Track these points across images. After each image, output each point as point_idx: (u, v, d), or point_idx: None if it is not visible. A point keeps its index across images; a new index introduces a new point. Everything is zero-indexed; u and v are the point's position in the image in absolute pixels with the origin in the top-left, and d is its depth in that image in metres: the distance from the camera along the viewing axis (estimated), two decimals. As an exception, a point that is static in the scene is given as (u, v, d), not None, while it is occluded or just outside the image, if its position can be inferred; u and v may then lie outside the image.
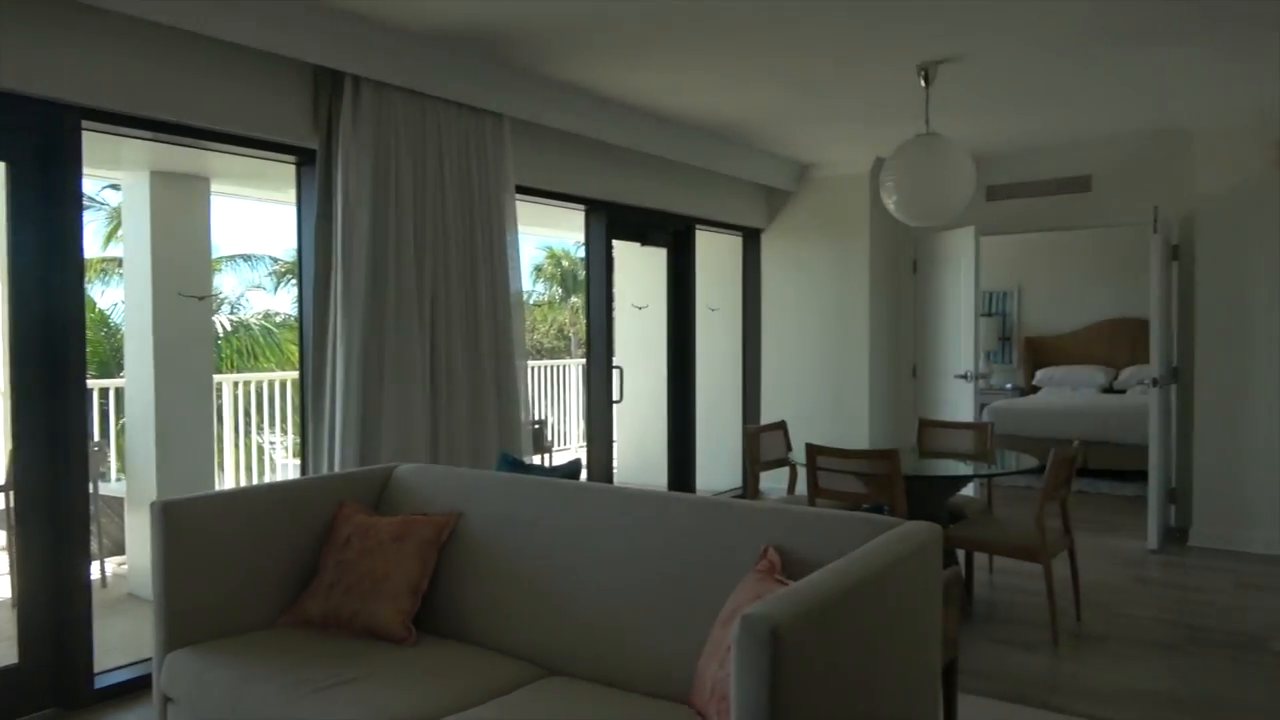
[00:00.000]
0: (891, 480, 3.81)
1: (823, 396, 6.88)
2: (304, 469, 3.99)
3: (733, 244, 7.22)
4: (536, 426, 5.79)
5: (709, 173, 6.30)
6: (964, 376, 6.24)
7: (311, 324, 3.85)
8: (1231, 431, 5.41)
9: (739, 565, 2.22)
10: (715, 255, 7.25)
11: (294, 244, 4.16)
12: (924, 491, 4.19)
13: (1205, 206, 5.47)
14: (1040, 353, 9.77)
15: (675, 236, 6.38)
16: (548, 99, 4.65)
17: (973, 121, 5.47)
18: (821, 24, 3.76)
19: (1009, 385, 9.82)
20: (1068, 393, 9.05)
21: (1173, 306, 5.85)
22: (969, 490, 5.57)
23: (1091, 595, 4.49)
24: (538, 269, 17.29)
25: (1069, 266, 9.62)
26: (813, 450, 4.00)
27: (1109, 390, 9.08)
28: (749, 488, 4.69)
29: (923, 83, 4.31)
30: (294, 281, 10.61)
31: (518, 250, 4.55)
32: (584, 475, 4.72)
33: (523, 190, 4.88)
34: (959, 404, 6.31)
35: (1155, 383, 5.41)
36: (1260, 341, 5.31)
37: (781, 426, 5.02)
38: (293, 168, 4.04)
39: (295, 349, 8.74)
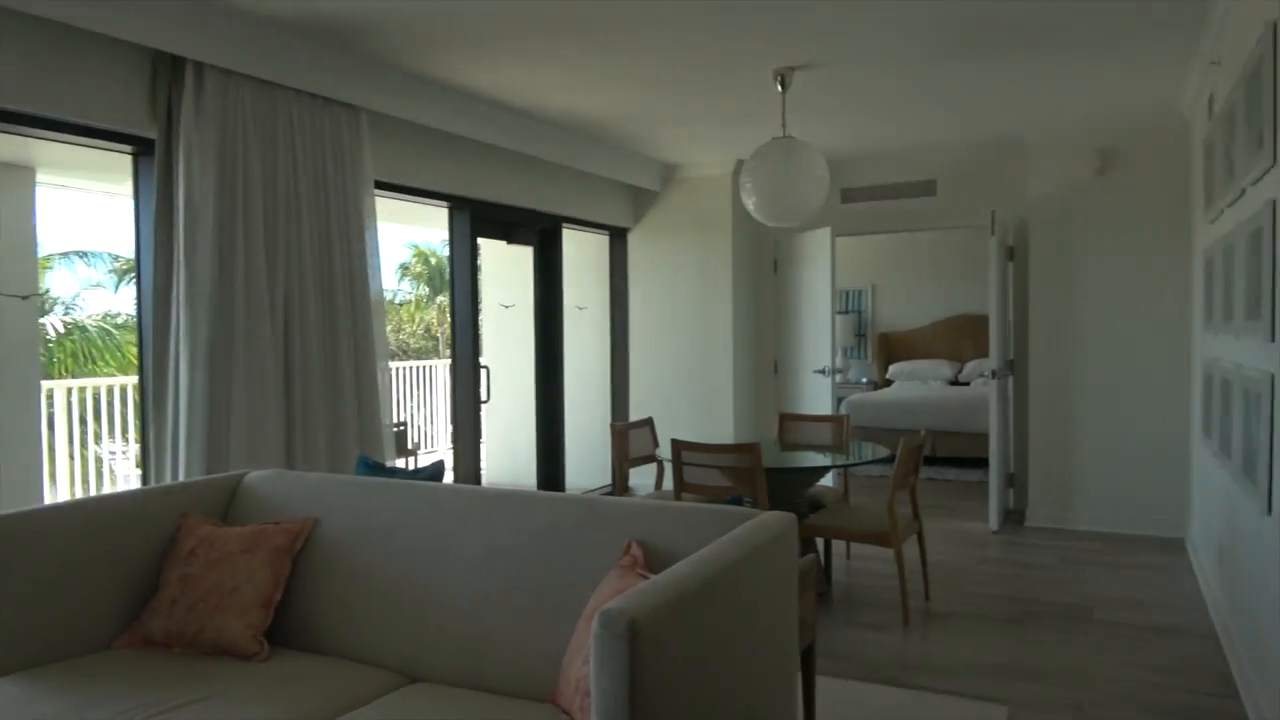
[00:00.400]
0: (753, 473, 3.92)
1: (689, 393, 7.01)
2: (145, 479, 3.75)
3: (600, 243, 7.26)
4: (399, 429, 5.64)
5: (576, 172, 6.31)
6: (822, 371, 6.49)
7: (151, 324, 3.62)
8: (1062, 419, 5.85)
9: (603, 562, 2.23)
10: (583, 254, 7.27)
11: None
12: (784, 483, 4.33)
13: (1037, 210, 5.89)
14: (893, 348, 10.28)
15: (542, 235, 6.35)
16: (407, 92, 4.54)
17: (827, 126, 5.70)
18: (678, 29, 3.83)
19: (865, 379, 10.28)
20: (918, 385, 9.55)
21: (1009, 304, 6.27)
22: (827, 480, 5.81)
23: (939, 576, 4.75)
24: (404, 267, 16.85)
25: (918, 266, 10.16)
26: (678, 446, 4.07)
27: (955, 383, 9.65)
28: (617, 485, 4.73)
29: (779, 88, 4.45)
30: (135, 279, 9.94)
31: (377, 248, 4.42)
32: (449, 477, 4.63)
33: (383, 186, 4.76)
34: (818, 398, 6.57)
35: (994, 375, 5.79)
36: (1087, 335, 5.76)
37: (649, 423, 5.08)
38: (129, 158, 3.79)
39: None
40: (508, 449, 7.37)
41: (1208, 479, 4.37)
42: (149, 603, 2.57)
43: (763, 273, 7.25)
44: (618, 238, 7.23)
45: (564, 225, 6.47)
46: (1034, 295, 5.93)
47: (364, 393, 4.35)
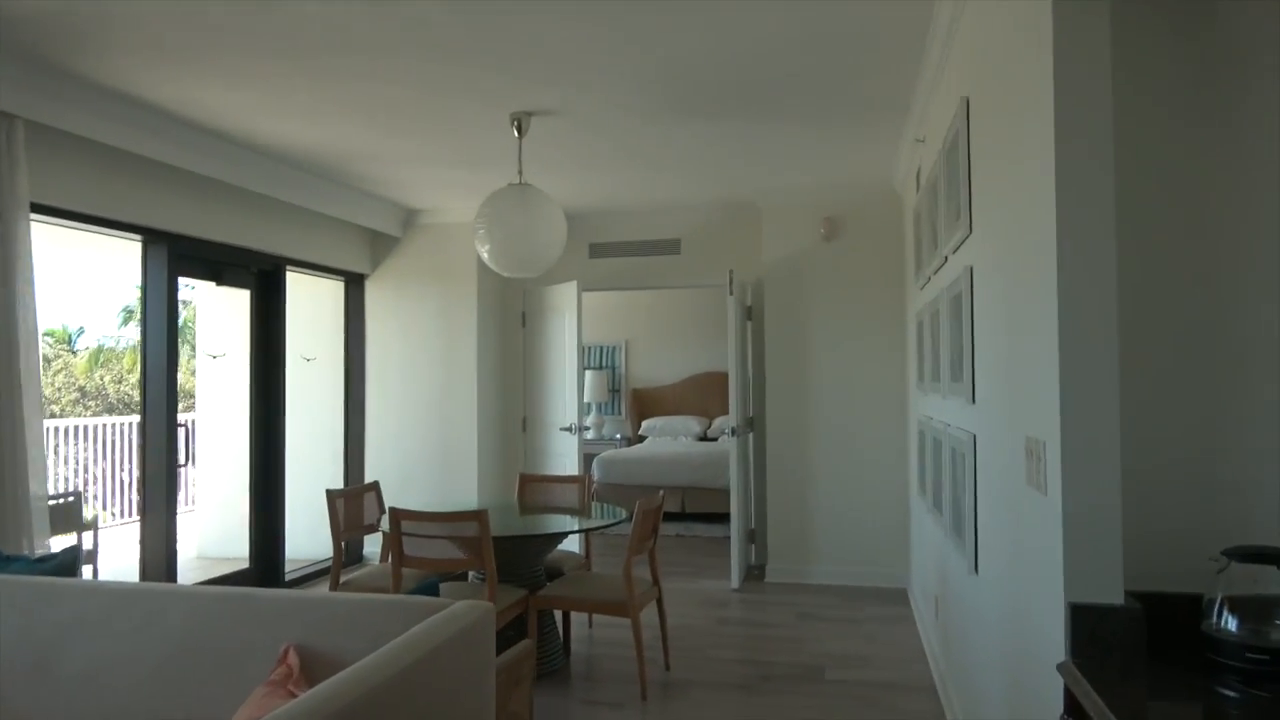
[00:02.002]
0: (481, 543, 3.59)
1: (431, 453, 6.55)
2: None
3: (334, 289, 6.69)
4: (65, 500, 4.75)
5: (304, 211, 5.77)
6: (569, 429, 6.29)
7: None
8: (797, 476, 6.01)
9: (252, 674, 1.81)
10: (313, 301, 6.68)
11: None
12: (516, 552, 4.03)
13: (772, 272, 6.09)
14: (645, 404, 10.35)
15: (262, 277, 5.72)
16: (79, 102, 3.88)
17: (572, 179, 5.59)
18: (399, 60, 3.53)
19: (618, 435, 10.25)
20: (669, 441, 9.63)
21: (748, 362, 6.41)
22: (573, 545, 5.57)
23: (680, 641, 4.62)
24: (129, 311, 14.98)
25: (670, 323, 10.36)
26: (396, 514, 3.65)
27: (704, 438, 9.84)
28: (336, 561, 4.21)
29: (515, 133, 4.25)
30: None
31: (31, 279, 3.69)
32: (135, 557, 3.82)
33: (50, 211, 4.03)
34: (566, 456, 6.35)
35: (734, 432, 5.85)
36: (819, 394, 5.98)
37: (374, 488, 4.60)
38: None
39: None
40: (223, 516, 6.52)
41: (924, 532, 4.57)
42: None
43: (510, 326, 7.00)
44: (354, 284, 6.70)
45: (288, 268, 5.88)
46: (770, 354, 6.09)
47: (9, 457, 3.57)
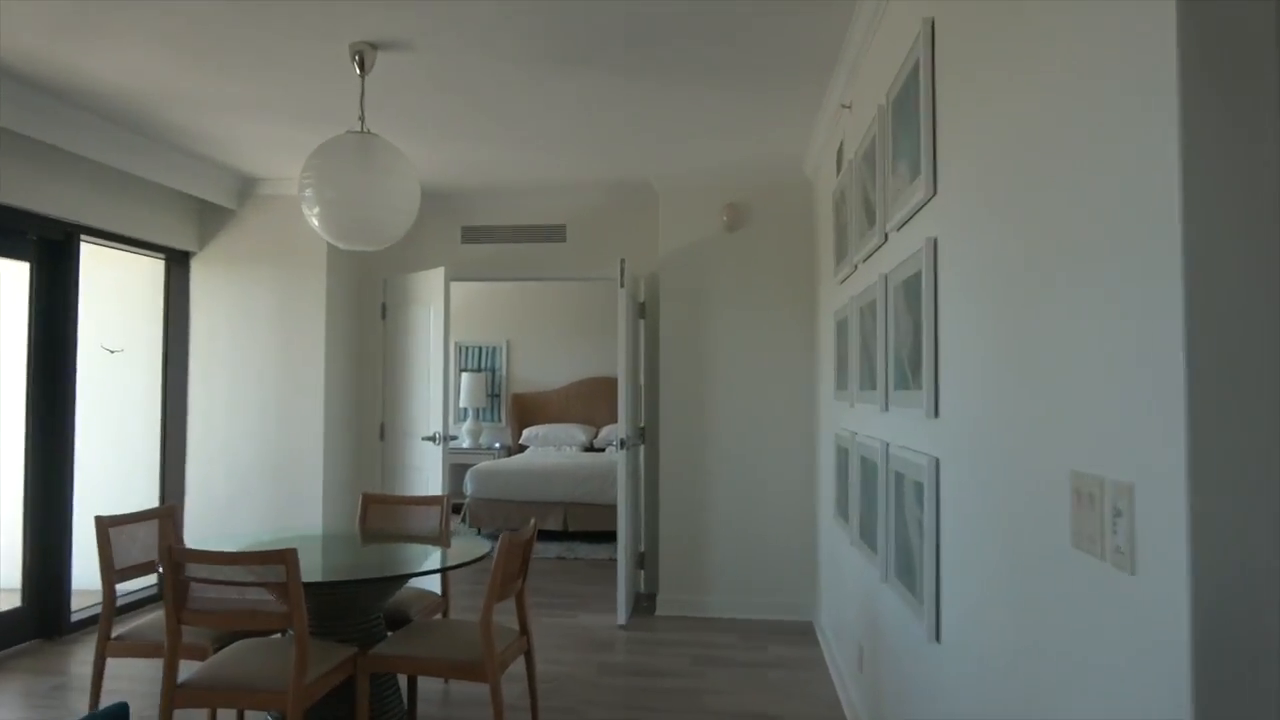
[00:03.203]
0: (289, 590, 2.71)
1: (267, 466, 5.56)
2: None
3: (152, 269, 5.62)
4: None
5: (107, 169, 4.73)
6: (432, 439, 5.41)
7: None
8: (693, 494, 5.31)
9: None
10: (123, 283, 5.60)
11: None
12: (344, 599, 3.16)
13: (669, 265, 5.38)
14: (527, 410, 9.51)
15: (46, 248, 4.63)
16: None
17: (437, 147, 4.74)
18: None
19: (498, 444, 9.38)
20: (552, 452, 8.83)
21: (640, 365, 5.69)
22: (431, 581, 4.71)
23: (554, 699, 3.83)
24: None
25: (554, 321, 9.56)
26: (173, 555, 2.73)
27: (590, 449, 9.08)
28: (105, 606, 3.23)
29: (357, 69, 3.39)
30: None
31: None
32: None
33: None
34: (430, 470, 5.46)
35: (623, 444, 5.10)
36: (719, 402, 5.30)
37: (169, 514, 3.63)
38: None
39: None
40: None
41: (842, 565, 3.92)
42: None
43: (368, 319, 6.06)
44: (177, 263, 5.64)
45: (85, 238, 4.80)
46: (665, 357, 5.38)
47: None
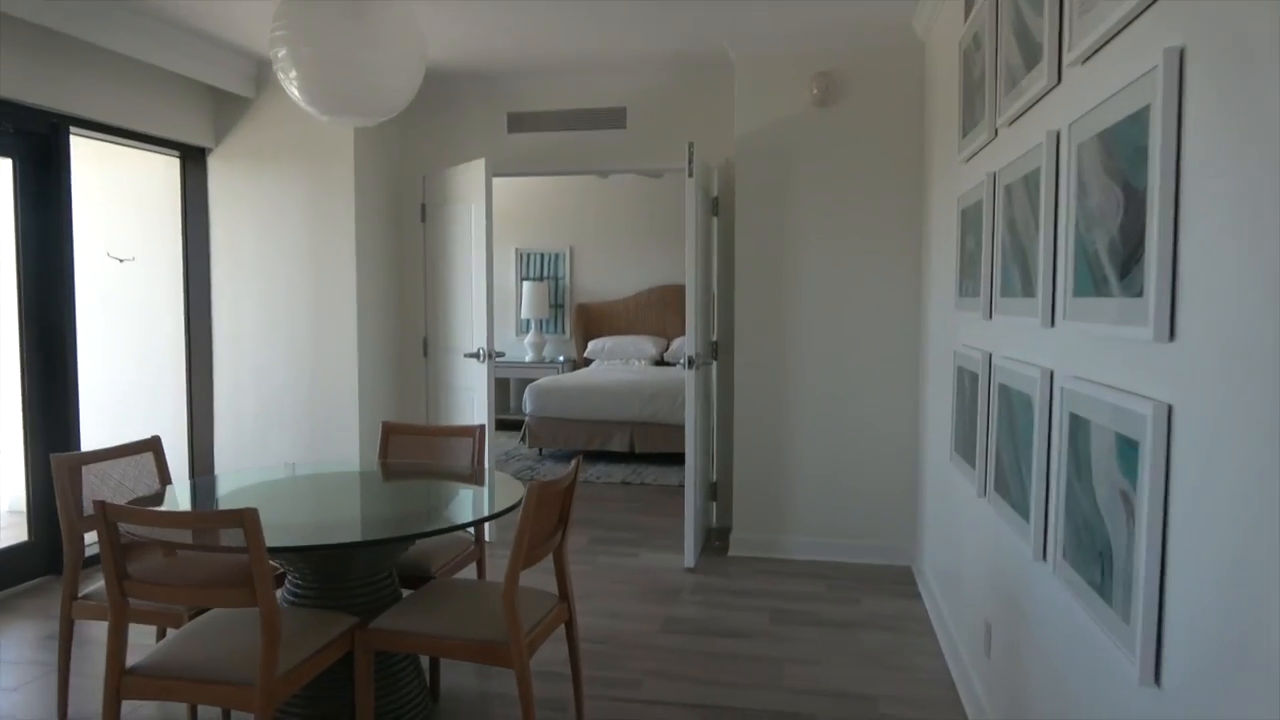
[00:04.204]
0: (252, 561, 2.11)
1: (300, 387, 5.03)
2: None
3: (164, 169, 5.04)
4: None
5: (98, 51, 4.10)
6: (476, 355, 4.78)
7: None
8: (773, 419, 4.58)
9: None
10: (134, 182, 5.05)
11: None
12: (332, 561, 2.57)
13: (746, 151, 4.53)
14: (593, 321, 8.84)
15: (27, 142, 4.05)
16: None
17: (474, 17, 3.93)
18: None
19: (561, 358, 8.77)
20: (619, 366, 8.18)
21: (713, 270, 4.91)
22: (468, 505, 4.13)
23: (603, 669, 3.23)
24: None
25: (622, 225, 8.78)
26: (105, 512, 2.15)
27: (661, 362, 8.40)
28: (69, 565, 2.72)
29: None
30: None
31: None
32: None
33: None
34: (477, 390, 4.85)
35: (692, 363, 4.38)
36: (805, 312, 4.51)
37: (151, 447, 3.09)
38: None
39: None
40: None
41: (958, 514, 3.17)
42: None
43: (408, 221, 5.41)
44: (193, 161, 5.04)
45: (74, 130, 4.22)
46: (741, 260, 4.59)
47: None
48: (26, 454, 4.11)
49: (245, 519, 2.08)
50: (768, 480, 4.60)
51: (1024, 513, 2.12)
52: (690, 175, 4.26)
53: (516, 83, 5.17)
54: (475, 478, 3.19)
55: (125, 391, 5.19)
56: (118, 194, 5.10)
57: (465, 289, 4.91)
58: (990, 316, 2.58)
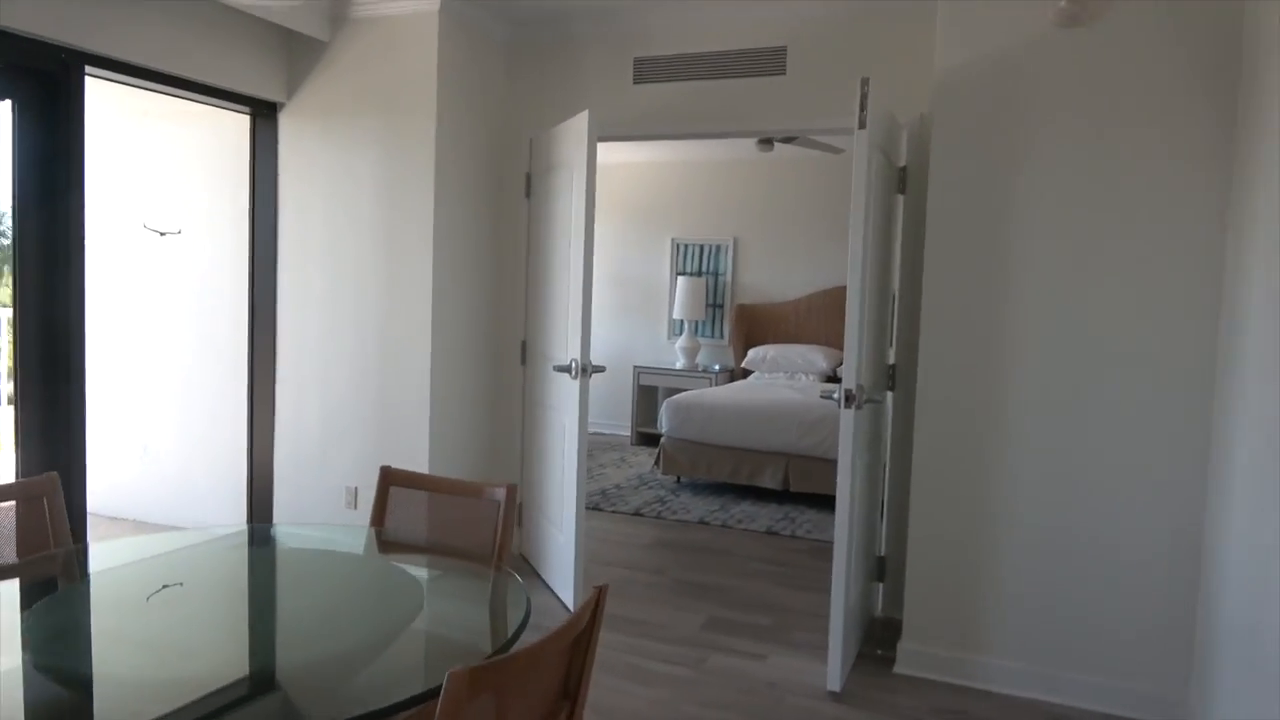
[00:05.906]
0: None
1: (364, 391, 4.12)
2: None
3: (228, 124, 4.29)
4: None
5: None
6: (567, 369, 3.67)
7: None
8: (974, 478, 3.16)
9: None
10: (194, 138, 4.34)
11: None
12: None
13: (951, 98, 3.13)
14: (755, 326, 7.55)
15: (29, 79, 3.31)
16: None
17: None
18: None
19: (717, 367, 7.55)
20: (780, 381, 6.86)
21: (894, 267, 3.55)
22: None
23: None
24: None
25: (794, 213, 7.42)
26: None
27: (832, 378, 6.99)
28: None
29: None
30: None
31: None
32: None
33: None
34: (568, 413, 3.74)
35: (851, 399, 3.03)
36: (1028, 331, 3.06)
37: (48, 490, 2.17)
38: None
39: None
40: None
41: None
42: None
43: (511, 194, 4.39)
44: (263, 118, 4.24)
45: (89, 70, 3.45)
46: (932, 252, 3.20)
47: None
48: (18, 468, 3.39)
49: None
50: (959, 569, 3.19)
51: None
52: (861, 126, 2.92)
53: (646, 18, 4.01)
54: (502, 557, 2.06)
55: (190, 381, 4.52)
56: (184, 155, 4.41)
57: (563, 282, 3.81)
58: None
